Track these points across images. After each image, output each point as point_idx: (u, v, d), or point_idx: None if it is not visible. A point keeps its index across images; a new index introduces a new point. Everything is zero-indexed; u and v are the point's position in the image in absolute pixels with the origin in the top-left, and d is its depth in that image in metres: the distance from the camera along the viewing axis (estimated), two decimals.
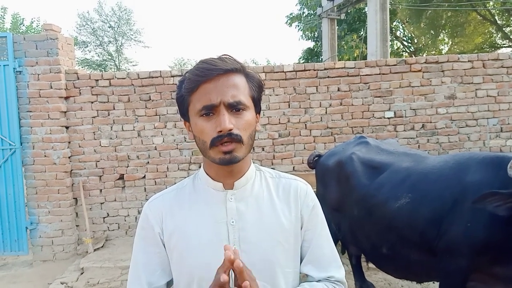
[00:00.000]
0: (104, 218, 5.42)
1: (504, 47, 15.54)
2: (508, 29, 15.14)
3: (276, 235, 1.10)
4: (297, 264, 1.16)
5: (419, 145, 5.35)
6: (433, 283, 3.68)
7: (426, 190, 2.49)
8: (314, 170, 3.64)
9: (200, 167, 5.34)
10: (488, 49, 14.90)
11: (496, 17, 14.39)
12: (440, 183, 2.45)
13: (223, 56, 1.06)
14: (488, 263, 2.23)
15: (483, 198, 2.06)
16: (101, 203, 5.40)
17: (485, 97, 5.34)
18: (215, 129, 1.01)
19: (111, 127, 5.34)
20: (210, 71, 1.01)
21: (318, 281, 1.17)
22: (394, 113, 5.36)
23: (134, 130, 5.35)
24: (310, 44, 17.55)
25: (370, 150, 3.13)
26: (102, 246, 5.16)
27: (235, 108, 1.02)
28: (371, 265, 3.62)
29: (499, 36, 15.63)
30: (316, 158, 3.63)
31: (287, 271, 1.11)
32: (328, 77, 5.33)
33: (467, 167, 2.38)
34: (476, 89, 5.34)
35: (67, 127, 5.27)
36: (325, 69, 5.35)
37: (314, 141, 5.39)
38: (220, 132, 1.00)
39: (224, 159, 1.03)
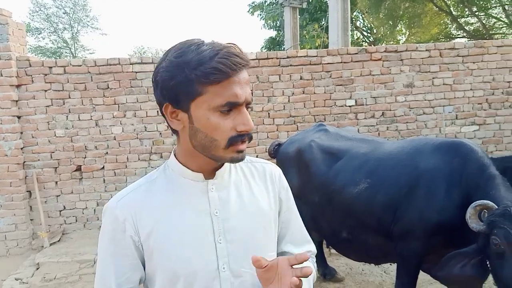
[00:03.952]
0: (60, 211, 5.22)
1: (459, 37, 16.07)
2: (463, 20, 15.66)
3: (259, 220, 1.09)
4: (275, 246, 1.16)
5: (379, 133, 5.46)
6: (390, 265, 3.80)
7: (383, 176, 2.54)
8: (275, 159, 3.65)
9: (161, 157, 5.13)
10: (443, 40, 15.32)
11: (452, 8, 14.82)
12: (397, 169, 2.50)
13: (235, 45, 0.97)
14: (441, 246, 2.31)
15: (446, 263, 2.07)
16: (57, 196, 5.19)
17: (441, 85, 5.51)
18: (234, 128, 0.96)
19: (67, 116, 5.12)
20: (238, 65, 0.92)
21: None
22: (355, 101, 5.44)
23: (91, 119, 5.16)
24: (273, 33, 17.56)
25: (329, 137, 3.16)
26: (58, 240, 4.98)
27: (248, 106, 0.99)
28: (333, 250, 3.68)
29: (454, 26, 16.14)
30: (276, 147, 3.64)
31: (271, 255, 1.09)
32: (291, 65, 5.33)
33: (422, 153, 2.44)
34: (433, 78, 5.49)
35: (19, 117, 5.02)
36: (287, 57, 5.35)
37: (277, 130, 5.39)
38: (242, 132, 0.96)
39: (237, 158, 1.00)
